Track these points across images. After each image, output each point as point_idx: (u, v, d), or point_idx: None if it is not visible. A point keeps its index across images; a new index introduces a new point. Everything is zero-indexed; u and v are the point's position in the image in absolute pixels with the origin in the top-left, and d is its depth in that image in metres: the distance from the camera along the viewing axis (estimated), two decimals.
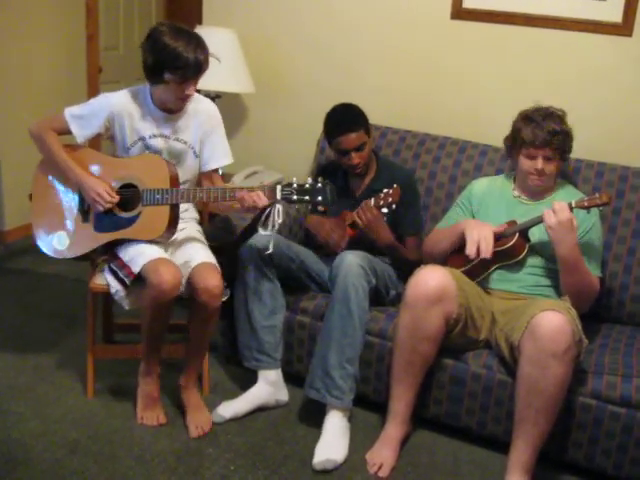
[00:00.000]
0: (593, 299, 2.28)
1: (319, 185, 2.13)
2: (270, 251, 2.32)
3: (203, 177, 2.47)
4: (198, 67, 2.21)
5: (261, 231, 2.27)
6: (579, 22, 2.74)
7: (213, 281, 2.24)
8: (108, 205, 2.29)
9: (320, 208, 2.58)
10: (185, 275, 2.28)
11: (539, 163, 2.27)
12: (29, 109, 3.64)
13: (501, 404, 2.22)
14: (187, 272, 2.29)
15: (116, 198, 2.29)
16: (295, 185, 2.14)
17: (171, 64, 2.18)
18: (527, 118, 2.30)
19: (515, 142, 2.33)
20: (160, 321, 2.28)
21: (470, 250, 2.25)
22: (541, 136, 2.23)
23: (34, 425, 2.27)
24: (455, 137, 2.88)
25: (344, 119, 2.53)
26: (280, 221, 2.20)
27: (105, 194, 2.27)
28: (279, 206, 2.19)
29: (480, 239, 2.24)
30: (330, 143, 2.58)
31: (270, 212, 2.21)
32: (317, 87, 3.28)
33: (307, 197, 2.13)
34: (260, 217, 2.26)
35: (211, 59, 2.28)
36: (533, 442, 2.05)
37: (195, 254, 2.35)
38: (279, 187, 2.15)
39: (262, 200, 2.15)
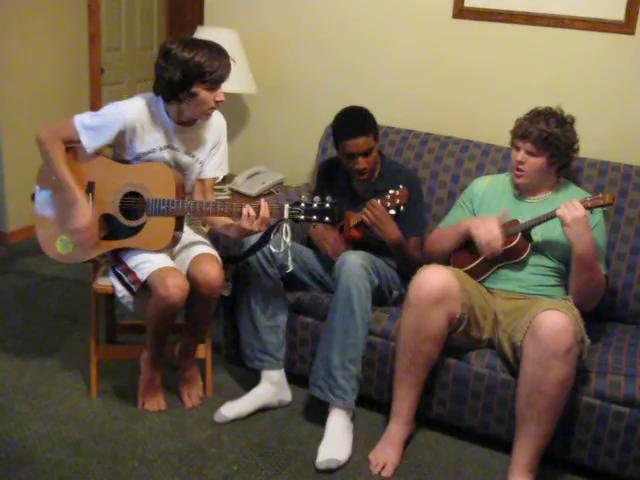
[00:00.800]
0: (600, 297, 2.27)
1: (327, 205, 2.13)
2: (290, 269, 2.31)
3: (197, 184, 2.44)
4: (225, 71, 2.20)
5: (273, 249, 2.28)
6: (581, 20, 2.73)
7: (213, 272, 2.25)
8: (85, 243, 2.28)
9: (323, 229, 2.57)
10: (184, 269, 2.28)
11: (519, 155, 2.28)
12: (31, 110, 3.65)
13: (504, 404, 2.22)
14: (187, 264, 2.30)
15: (94, 240, 2.27)
16: (303, 204, 2.14)
17: (199, 74, 2.16)
18: (530, 113, 2.32)
19: (512, 131, 2.35)
20: (165, 325, 2.30)
21: (484, 252, 2.27)
22: (526, 129, 2.25)
23: (37, 425, 2.28)
24: (457, 136, 2.87)
25: (354, 122, 2.50)
26: (288, 240, 2.20)
27: (86, 234, 2.26)
28: (286, 225, 2.19)
29: (489, 240, 2.25)
30: (337, 145, 2.54)
31: (278, 230, 2.21)
32: (319, 87, 3.28)
33: (315, 217, 2.13)
34: (269, 233, 2.26)
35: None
36: (536, 442, 2.05)
37: (196, 248, 2.36)
38: (287, 206, 2.14)
39: (265, 212, 2.14)
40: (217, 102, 2.25)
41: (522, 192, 2.40)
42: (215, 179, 2.50)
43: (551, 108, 2.31)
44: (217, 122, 2.42)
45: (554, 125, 2.25)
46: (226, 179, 3.18)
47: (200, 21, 3.49)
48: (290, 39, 3.30)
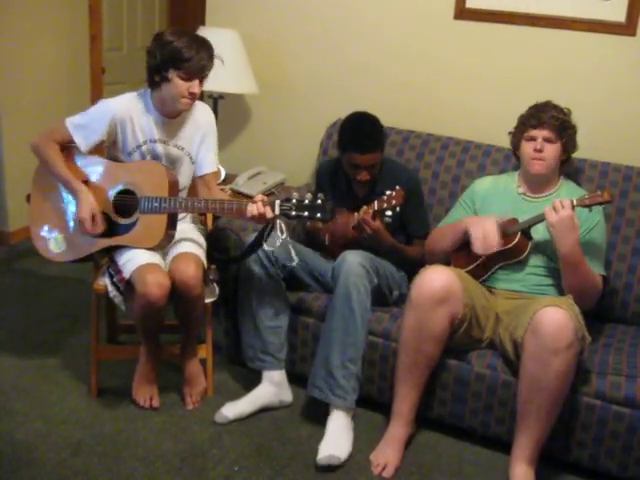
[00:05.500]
0: (596, 298, 2.27)
1: (319, 202, 2.09)
2: (295, 263, 2.31)
3: (199, 182, 2.46)
4: (202, 63, 2.22)
5: (266, 247, 2.26)
6: (582, 22, 2.73)
7: (189, 271, 2.23)
8: (91, 232, 2.29)
9: (319, 224, 2.55)
10: (166, 268, 2.29)
11: (538, 143, 2.30)
12: (32, 110, 3.65)
13: (505, 404, 2.22)
14: (169, 262, 2.30)
15: (100, 229, 2.29)
16: (294, 200, 2.10)
17: (176, 60, 2.19)
18: (533, 106, 2.37)
19: (518, 127, 2.38)
20: (151, 322, 2.30)
21: (477, 248, 2.26)
22: (541, 117, 2.30)
23: (38, 425, 2.28)
24: (458, 137, 2.87)
25: (365, 138, 2.44)
26: (283, 236, 2.17)
27: (91, 223, 2.27)
28: (280, 221, 2.16)
29: (485, 234, 2.25)
30: (343, 152, 2.51)
31: (272, 227, 2.19)
32: (320, 88, 3.28)
33: (306, 213, 2.09)
34: (263, 232, 2.25)
35: (215, 60, 2.29)
36: (536, 437, 2.05)
37: (180, 245, 2.35)
38: (278, 202, 2.11)
39: (267, 212, 2.12)
40: (191, 94, 2.25)
41: (528, 189, 2.41)
42: (216, 174, 2.50)
43: (550, 101, 2.37)
44: (203, 117, 2.43)
45: (562, 113, 2.32)
46: (227, 179, 3.19)
47: (202, 21, 3.49)
48: (292, 40, 3.30)
